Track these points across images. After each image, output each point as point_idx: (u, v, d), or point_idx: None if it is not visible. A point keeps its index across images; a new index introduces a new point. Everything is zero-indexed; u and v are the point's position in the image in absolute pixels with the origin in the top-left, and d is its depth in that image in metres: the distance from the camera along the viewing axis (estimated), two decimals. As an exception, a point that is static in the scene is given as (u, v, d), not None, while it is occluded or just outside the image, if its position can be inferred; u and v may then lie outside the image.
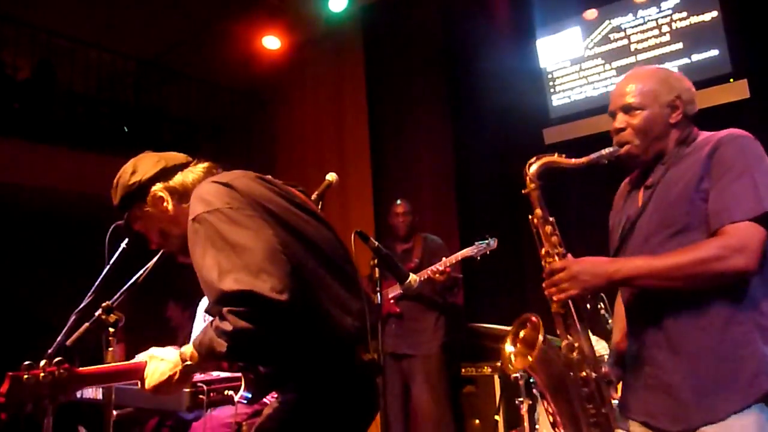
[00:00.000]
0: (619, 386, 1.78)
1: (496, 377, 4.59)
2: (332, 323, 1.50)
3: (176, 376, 1.49)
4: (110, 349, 1.98)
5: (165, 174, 1.65)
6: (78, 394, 2.80)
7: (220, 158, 1.86)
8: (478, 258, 3.44)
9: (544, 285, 1.63)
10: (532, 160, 1.72)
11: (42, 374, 1.41)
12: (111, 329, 1.99)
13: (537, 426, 3.54)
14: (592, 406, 1.62)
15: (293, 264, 1.41)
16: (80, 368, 1.51)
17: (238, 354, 1.41)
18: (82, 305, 2.29)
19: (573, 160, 1.70)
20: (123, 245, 2.28)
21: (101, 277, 2.11)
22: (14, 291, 6.59)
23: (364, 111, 5.80)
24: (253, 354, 1.46)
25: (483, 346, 4.65)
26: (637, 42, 4.74)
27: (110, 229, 2.29)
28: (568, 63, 5.05)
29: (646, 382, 1.61)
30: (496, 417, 4.08)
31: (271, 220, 1.48)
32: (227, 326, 1.32)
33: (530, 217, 1.72)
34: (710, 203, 1.53)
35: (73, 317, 2.28)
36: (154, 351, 1.56)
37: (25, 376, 1.40)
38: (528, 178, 1.70)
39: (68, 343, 2.29)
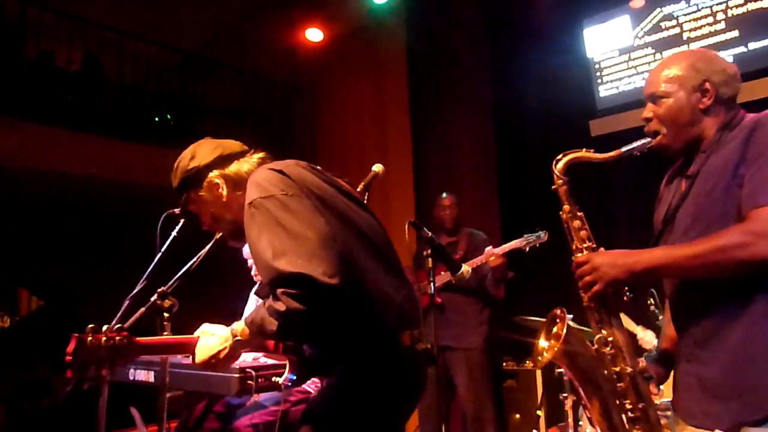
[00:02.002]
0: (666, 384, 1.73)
1: (538, 372, 4.54)
2: (380, 309, 1.52)
3: (225, 352, 1.55)
4: (164, 333, 2.03)
5: (221, 161, 1.70)
6: (131, 377, 2.89)
7: (262, 150, 1.89)
8: (527, 250, 3.39)
9: (575, 279, 1.60)
10: (560, 156, 1.70)
11: (104, 339, 1.49)
12: (165, 314, 2.04)
13: (581, 423, 3.50)
14: (628, 402, 1.57)
15: (343, 250, 1.45)
16: (138, 338, 1.58)
17: (288, 333, 1.46)
18: (135, 290, 2.36)
19: (602, 155, 1.66)
20: (174, 232, 2.35)
21: (154, 263, 2.18)
22: (60, 277, 6.84)
23: (405, 102, 5.78)
24: (302, 334, 1.52)
25: (525, 340, 4.60)
26: (690, 30, 4.58)
27: (162, 216, 2.36)
28: (617, 53, 4.93)
29: (686, 379, 1.56)
30: (538, 412, 4.05)
31: (322, 207, 1.51)
32: (280, 306, 1.37)
33: (560, 213, 1.70)
34: (743, 189, 1.45)
35: (126, 302, 2.36)
36: (205, 327, 1.62)
37: (89, 339, 1.48)
38: (555, 175, 1.68)
39: (125, 326, 2.37)
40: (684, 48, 4.56)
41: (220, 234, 1.92)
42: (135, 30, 6.37)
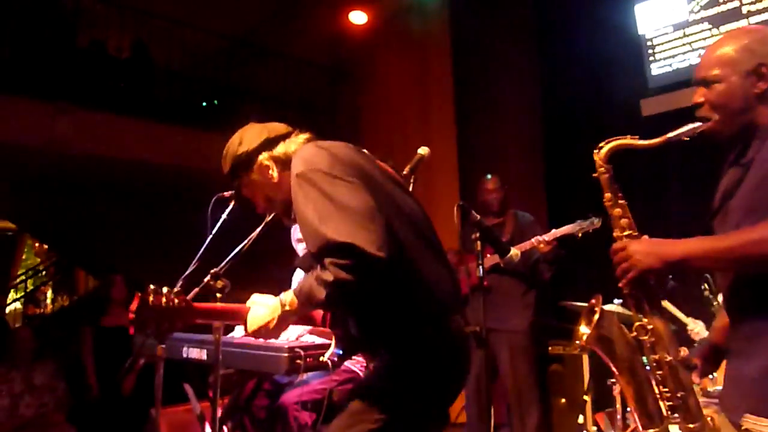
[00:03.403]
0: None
1: (585, 357, 4.48)
2: (427, 291, 1.54)
3: (274, 322, 1.59)
4: (217, 313, 2.09)
5: (269, 144, 1.74)
6: (184, 354, 2.98)
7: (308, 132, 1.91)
8: (579, 236, 3.35)
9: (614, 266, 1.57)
10: (602, 144, 1.65)
11: (164, 300, 1.58)
12: (218, 294, 2.10)
13: (629, 408, 3.44)
14: (667, 390, 1.54)
15: (389, 228, 1.47)
16: (195, 302, 1.67)
17: (335, 303, 1.49)
18: (187, 271, 2.43)
19: (646, 141, 1.59)
20: (224, 215, 2.40)
21: (204, 245, 2.24)
22: (114, 255, 7.10)
23: (449, 84, 5.72)
24: (349, 305, 1.55)
25: (572, 325, 4.54)
26: (750, 3, 4.36)
27: (213, 199, 2.42)
28: (671, 28, 4.74)
29: (730, 372, 1.52)
30: (585, 397, 4.00)
31: (368, 186, 1.53)
32: (328, 276, 1.40)
33: (604, 201, 1.65)
34: None
35: (179, 283, 2.44)
36: (255, 297, 1.67)
37: (151, 299, 1.57)
38: (598, 161, 1.63)
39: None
40: (743, 23, 4.36)
41: (271, 216, 1.97)
42: (182, 17, 6.49)
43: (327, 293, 1.42)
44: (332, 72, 7.26)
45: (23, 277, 10.52)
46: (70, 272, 10.49)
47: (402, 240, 1.53)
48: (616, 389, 3.41)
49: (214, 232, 2.19)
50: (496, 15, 5.50)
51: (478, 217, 1.82)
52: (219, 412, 2.17)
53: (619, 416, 3.43)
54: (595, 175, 1.65)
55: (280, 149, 1.73)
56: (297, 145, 1.73)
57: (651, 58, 4.83)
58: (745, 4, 4.38)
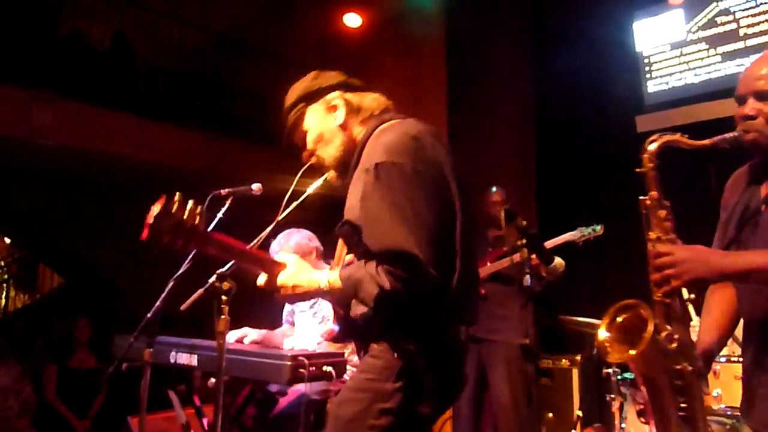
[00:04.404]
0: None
1: (574, 371, 4.46)
2: (448, 302, 1.48)
3: (303, 289, 1.52)
4: (222, 317, 1.96)
5: (346, 86, 1.68)
6: (172, 359, 2.82)
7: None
8: (580, 244, 3.31)
9: (650, 270, 1.51)
10: (654, 137, 1.59)
11: (186, 216, 1.41)
12: (224, 297, 1.96)
13: (623, 425, 3.40)
14: (683, 400, 1.52)
15: (445, 237, 1.44)
16: (217, 233, 1.51)
17: (381, 309, 1.40)
18: (179, 272, 2.29)
19: (696, 142, 1.57)
20: (220, 214, 2.27)
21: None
22: (85, 252, 6.83)
23: (443, 92, 5.68)
24: (391, 316, 1.45)
25: (563, 338, 4.51)
26: (747, 26, 4.43)
27: (208, 198, 2.28)
28: (668, 47, 4.79)
29: (762, 390, 1.50)
30: (578, 412, 3.96)
31: (442, 186, 1.48)
32: (385, 283, 1.34)
33: (642, 198, 1.59)
34: None
35: (171, 283, 2.29)
36: (296, 257, 1.58)
37: (174, 209, 1.40)
38: (646, 156, 1.58)
39: (182, 308, 2.30)
40: (740, 44, 4.43)
41: (283, 216, 1.85)
42: (169, 11, 6.31)
43: (378, 295, 1.36)
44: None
45: (-19, 274, 10.05)
46: (33, 269, 10.08)
47: (449, 253, 1.48)
48: (615, 405, 3.36)
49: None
50: (492, 24, 5.49)
51: (524, 222, 1.73)
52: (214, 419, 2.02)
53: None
54: (640, 170, 1.59)
55: (355, 97, 1.66)
56: (371, 100, 1.67)
57: (648, 76, 4.87)
58: (743, 27, 4.45)
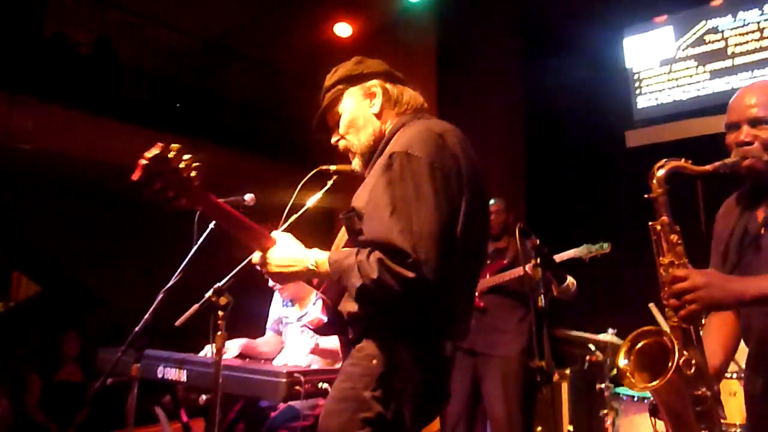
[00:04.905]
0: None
1: (564, 385, 4.44)
2: (440, 313, 1.46)
3: (294, 269, 1.49)
4: (219, 332, 1.89)
5: (388, 76, 1.67)
6: (159, 374, 2.74)
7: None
8: (587, 260, 3.30)
9: (664, 295, 1.51)
10: (661, 162, 1.60)
11: (182, 166, 1.32)
12: (221, 312, 1.89)
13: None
14: (704, 426, 1.51)
15: (446, 240, 1.40)
16: (213, 196, 1.44)
17: (365, 299, 1.37)
18: (169, 284, 2.21)
19: (700, 167, 1.58)
20: (210, 226, 2.20)
21: (188, 257, 2.05)
22: (65, 260, 6.65)
23: (433, 104, 5.65)
24: (374, 308, 1.43)
25: (553, 351, 4.48)
26: (735, 45, 4.51)
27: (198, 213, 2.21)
28: (658, 63, 4.85)
29: None
30: (569, 427, 3.93)
31: (456, 191, 1.45)
32: (373, 272, 1.31)
33: (652, 223, 1.60)
34: None
35: (160, 295, 2.21)
36: (286, 236, 1.55)
37: (171, 155, 1.31)
38: (655, 182, 1.58)
39: (177, 323, 2.22)
40: (728, 63, 4.50)
41: (297, 215, 1.79)
42: (154, 15, 6.21)
43: (363, 285, 1.32)
44: (311, 82, 7.09)
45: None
46: (6, 277, 9.79)
47: (450, 261, 1.42)
48: (608, 420, 3.35)
49: (200, 243, 2.02)
50: (483, 37, 5.50)
51: (538, 241, 1.70)
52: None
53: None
54: (650, 196, 1.59)
55: (395, 89, 1.64)
56: (413, 96, 1.66)
57: (637, 92, 4.93)
58: (731, 45, 4.53)
